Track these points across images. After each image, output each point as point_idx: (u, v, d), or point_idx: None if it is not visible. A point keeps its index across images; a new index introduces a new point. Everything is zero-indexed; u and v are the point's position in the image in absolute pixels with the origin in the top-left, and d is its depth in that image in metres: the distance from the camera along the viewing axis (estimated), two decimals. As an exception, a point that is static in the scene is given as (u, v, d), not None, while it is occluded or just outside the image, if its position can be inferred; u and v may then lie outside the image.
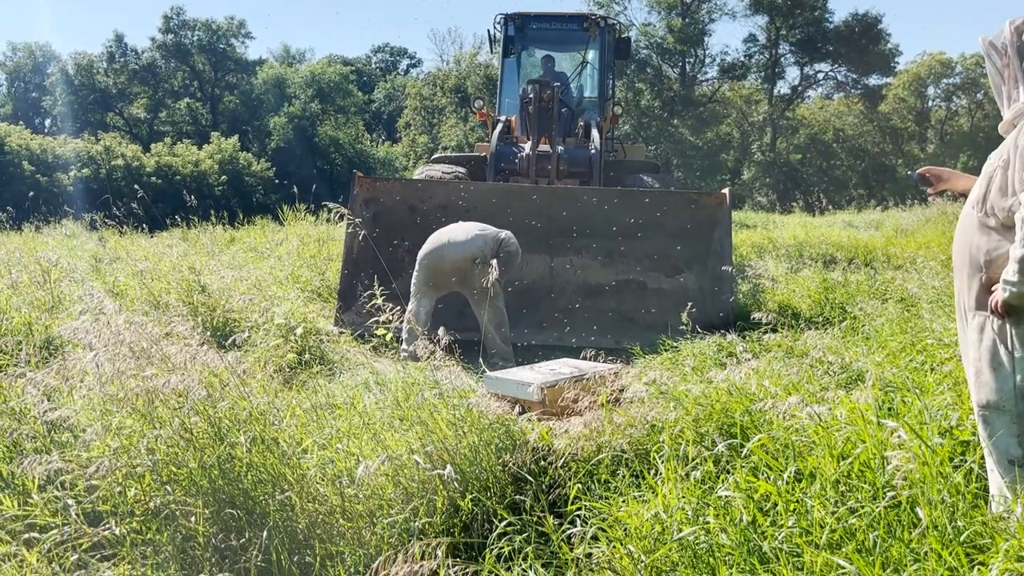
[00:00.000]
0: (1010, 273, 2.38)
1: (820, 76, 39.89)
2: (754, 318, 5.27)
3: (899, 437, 2.72)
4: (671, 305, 6.65)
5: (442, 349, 3.91)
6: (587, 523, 2.81)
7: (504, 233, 6.46)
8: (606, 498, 2.98)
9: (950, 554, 2.17)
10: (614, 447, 3.44)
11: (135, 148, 29.04)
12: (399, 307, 4.06)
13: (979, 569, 2.11)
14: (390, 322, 3.93)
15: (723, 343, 5.46)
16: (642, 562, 2.48)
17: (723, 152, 37.83)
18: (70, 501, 2.71)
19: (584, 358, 5.18)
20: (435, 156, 10.97)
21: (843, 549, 2.31)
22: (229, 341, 4.03)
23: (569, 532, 2.77)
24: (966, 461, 2.75)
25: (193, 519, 2.74)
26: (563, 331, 7.05)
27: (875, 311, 6.33)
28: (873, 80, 38.45)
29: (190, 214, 12.17)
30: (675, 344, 5.81)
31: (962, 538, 2.26)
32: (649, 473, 3.10)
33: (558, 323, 7.16)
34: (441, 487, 2.98)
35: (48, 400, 3.22)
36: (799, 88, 39.85)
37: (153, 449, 2.87)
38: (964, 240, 2.61)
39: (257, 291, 7.06)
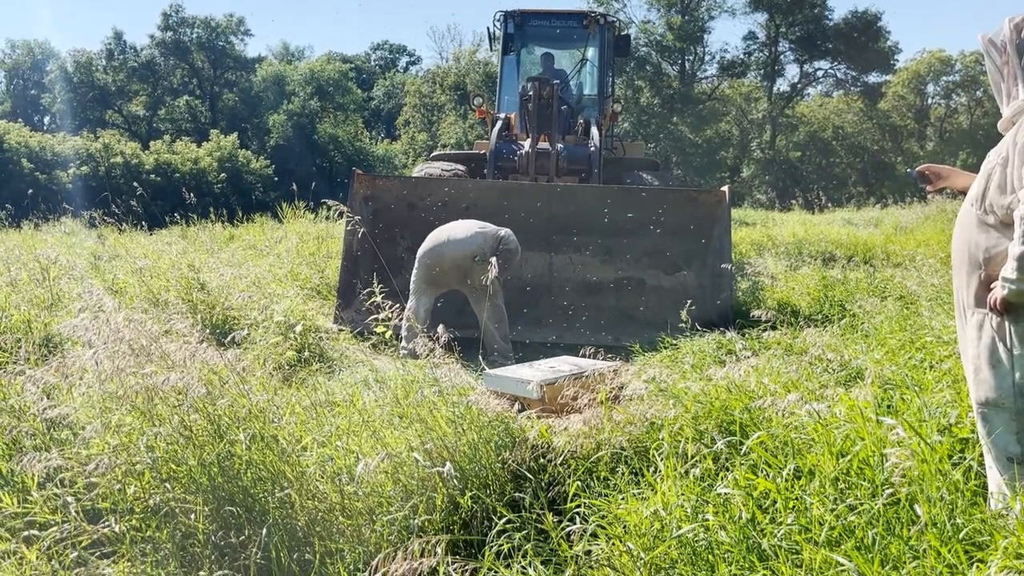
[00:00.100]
0: (1009, 270, 2.38)
1: (820, 73, 39.94)
2: (753, 316, 5.27)
3: (898, 434, 2.72)
4: (670, 303, 6.64)
5: (441, 347, 3.91)
6: (586, 520, 2.81)
7: (504, 231, 6.46)
8: (605, 495, 2.98)
9: (949, 551, 2.17)
10: (613, 444, 3.44)
11: (134, 146, 29.04)
12: (398, 305, 4.06)
13: (978, 566, 2.11)
14: (389, 320, 3.93)
15: (722, 341, 5.46)
16: (641, 559, 2.48)
17: (722, 150, 37.81)
18: (69, 499, 2.71)
19: (583, 356, 5.18)
20: (434, 154, 10.96)
21: (842, 546, 2.31)
22: (228, 339, 4.03)
23: (568, 529, 2.77)
24: (965, 458, 2.75)
25: (193, 516, 2.75)
26: (562, 329, 7.05)
27: (874, 309, 6.34)
28: (873, 78, 38.47)
29: (189, 212, 12.17)
30: (674, 342, 5.81)
31: (961, 535, 2.26)
32: (648, 470, 3.10)
33: (557, 321, 7.16)
34: (440, 484, 2.99)
35: (47, 398, 3.22)
36: (799, 86, 39.87)
37: (152, 447, 2.87)
38: (963, 237, 2.61)
39: (256, 289, 7.06)
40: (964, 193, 2.77)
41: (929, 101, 40.93)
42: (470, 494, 3.03)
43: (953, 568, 2.14)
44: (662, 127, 34.40)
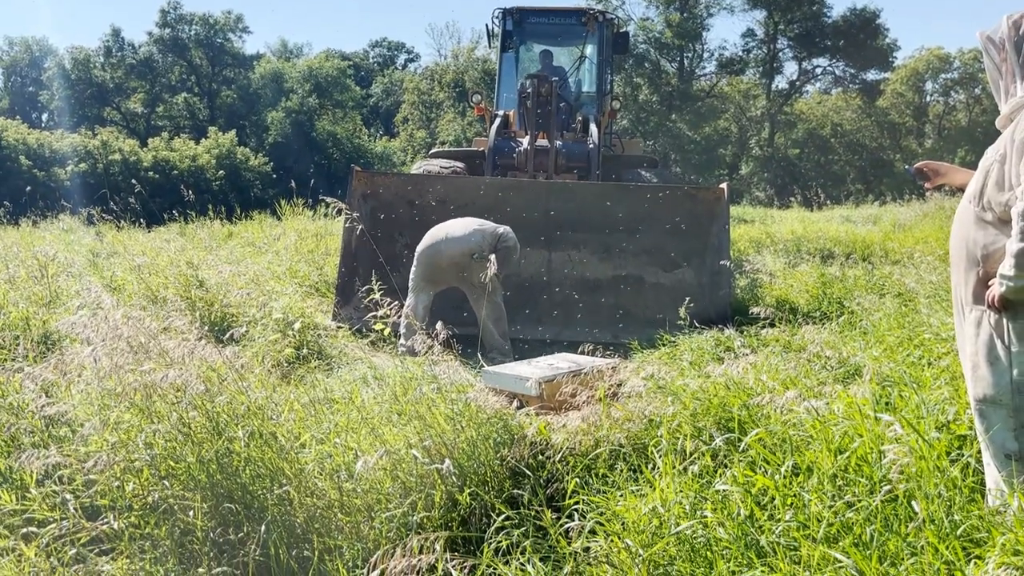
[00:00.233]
0: (1007, 268, 2.39)
1: (818, 71, 39.88)
2: (752, 313, 5.27)
3: (896, 431, 2.73)
4: (669, 300, 6.65)
5: (440, 344, 3.91)
6: (585, 517, 2.82)
7: (502, 228, 6.46)
8: (604, 492, 2.99)
9: (947, 548, 2.18)
10: (612, 441, 3.45)
11: (132, 143, 29.01)
12: (397, 302, 4.06)
13: (976, 563, 2.12)
14: (388, 317, 3.93)
15: (721, 338, 5.47)
16: (640, 556, 2.49)
17: (721, 147, 37.81)
18: (68, 496, 2.71)
19: (582, 353, 5.18)
20: (433, 151, 10.96)
21: (840, 543, 2.32)
22: (227, 336, 4.02)
23: (567, 526, 2.77)
24: (963, 455, 2.76)
25: (191, 513, 2.75)
26: (561, 326, 7.06)
27: (872, 306, 6.34)
28: (871, 75, 38.41)
29: (188, 209, 12.16)
30: (673, 339, 5.82)
31: (959, 532, 2.27)
32: (647, 467, 3.10)
33: (556, 318, 7.17)
34: (439, 481, 2.99)
35: (46, 395, 3.22)
36: (797, 83, 39.85)
37: (151, 444, 2.87)
38: (961, 235, 2.62)
39: (255, 286, 7.06)
40: (962, 190, 2.77)
41: (927, 99, 40.93)
42: (469, 491, 3.03)
43: (951, 565, 2.15)
44: (661, 124, 34.39)
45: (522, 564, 2.58)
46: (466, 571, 2.49)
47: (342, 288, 7.16)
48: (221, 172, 28.69)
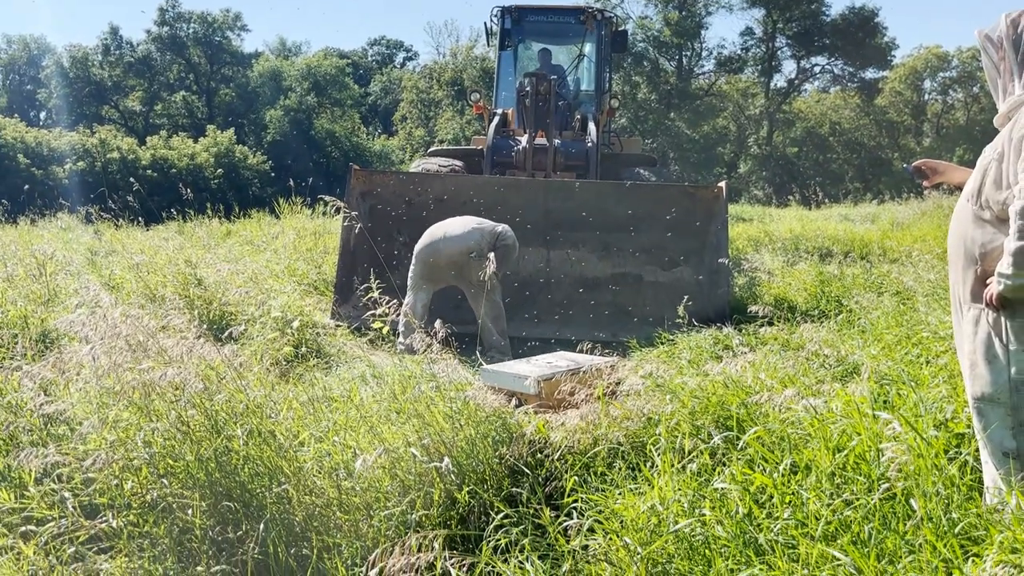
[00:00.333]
0: (1005, 266, 2.39)
1: (817, 69, 39.86)
2: (750, 311, 5.28)
3: (894, 429, 2.73)
4: (667, 298, 6.65)
5: (439, 342, 3.91)
6: (583, 515, 2.82)
7: (501, 227, 6.46)
8: (602, 490, 2.99)
9: (945, 546, 2.18)
10: (610, 440, 3.45)
11: (130, 141, 28.93)
12: (396, 300, 4.06)
13: (974, 561, 2.12)
14: (387, 315, 3.93)
15: (719, 336, 5.47)
16: (638, 554, 2.49)
17: (720, 145, 37.80)
18: (67, 494, 2.71)
19: (581, 351, 5.19)
20: (432, 149, 10.95)
21: (838, 541, 2.32)
22: (226, 334, 4.02)
23: (566, 524, 2.78)
24: (961, 453, 2.76)
25: (190, 512, 2.75)
26: (560, 324, 7.06)
27: (871, 304, 6.35)
28: (870, 74, 38.41)
29: (186, 207, 12.15)
30: (671, 337, 5.82)
31: (957, 530, 2.27)
32: (645, 465, 3.11)
33: (555, 316, 7.17)
34: (438, 480, 2.99)
35: (44, 393, 3.21)
36: (796, 81, 39.85)
37: (150, 442, 2.87)
38: (959, 233, 2.62)
39: (253, 284, 7.05)
40: (960, 188, 2.78)
41: (926, 97, 40.94)
42: (467, 489, 3.03)
43: (949, 563, 2.15)
44: (659, 123, 34.37)
45: (521, 562, 2.59)
46: (465, 569, 2.49)
47: (341, 286, 7.16)
48: (219, 170, 28.63)
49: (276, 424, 3.16)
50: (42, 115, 47.75)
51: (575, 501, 2.97)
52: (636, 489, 2.94)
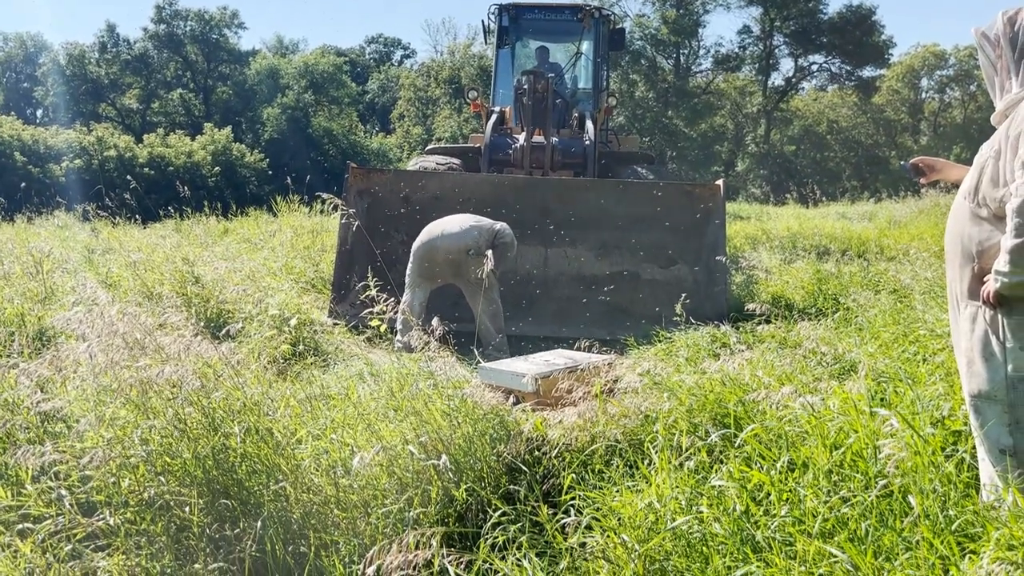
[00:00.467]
0: (1001, 263, 2.39)
1: (814, 68, 39.91)
2: (748, 309, 5.28)
3: (891, 426, 2.73)
4: (665, 296, 6.66)
5: (436, 340, 3.91)
6: (581, 513, 2.82)
7: (499, 225, 6.45)
8: (600, 488, 2.99)
9: (942, 543, 2.18)
10: (608, 437, 3.45)
11: (128, 139, 28.89)
12: (393, 298, 4.06)
13: (970, 558, 2.13)
14: (384, 313, 3.92)
15: (717, 334, 5.47)
16: (636, 551, 2.49)
17: (717, 144, 37.83)
18: (64, 492, 2.71)
19: (578, 349, 5.19)
20: (429, 147, 10.95)
21: (835, 538, 2.32)
22: (223, 332, 4.02)
23: (563, 522, 2.78)
24: (958, 451, 2.76)
25: (187, 509, 2.75)
26: (557, 322, 7.05)
27: (868, 302, 6.36)
28: (867, 72, 38.47)
29: (183, 205, 12.14)
30: (669, 335, 5.82)
31: (953, 527, 2.27)
32: (643, 463, 3.11)
33: (552, 314, 7.17)
34: (436, 477, 2.99)
35: (41, 391, 3.21)
36: (793, 80, 39.86)
37: (147, 439, 2.87)
38: (956, 230, 2.62)
39: (251, 282, 7.05)
40: (957, 186, 2.78)
41: (923, 95, 41.04)
42: (465, 487, 3.03)
43: (946, 560, 2.15)
44: (657, 121, 34.39)
45: (518, 559, 2.59)
46: (462, 567, 2.49)
47: (338, 284, 7.15)
48: (217, 168, 28.61)
49: (273, 422, 3.16)
50: (39, 113, 47.69)
51: (573, 499, 2.97)
52: (634, 486, 2.95)
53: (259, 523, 2.71)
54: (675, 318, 5.76)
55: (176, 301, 5.87)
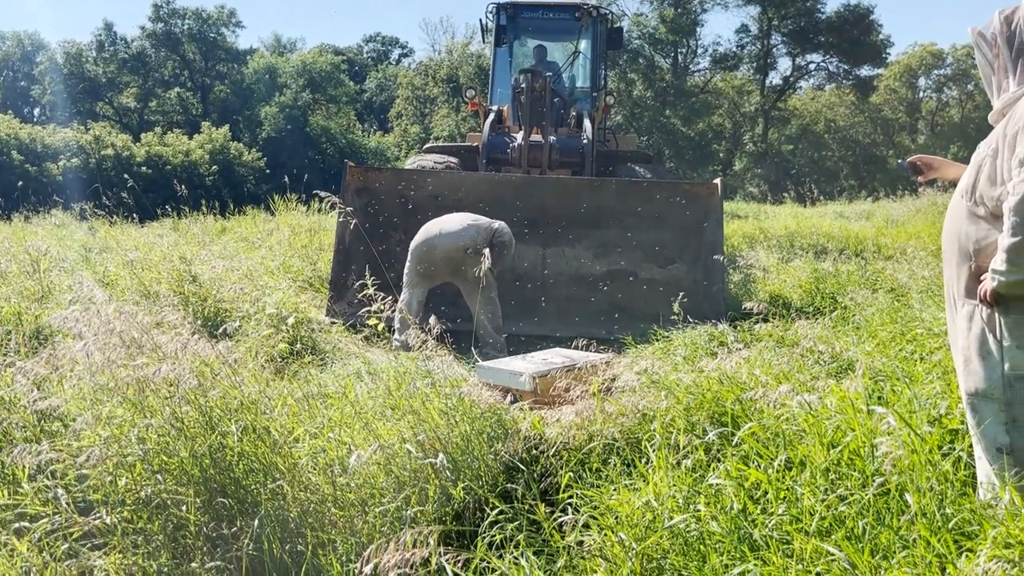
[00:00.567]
0: (998, 262, 2.39)
1: (812, 67, 39.88)
2: (745, 308, 5.28)
3: (888, 425, 2.74)
4: (663, 295, 6.66)
5: (434, 339, 3.90)
6: (578, 511, 2.82)
7: (497, 223, 6.45)
8: (597, 486, 2.99)
9: (939, 541, 2.19)
10: (605, 436, 3.45)
11: (125, 138, 28.85)
12: (391, 297, 4.05)
13: (967, 556, 2.13)
14: (382, 312, 3.92)
15: (714, 333, 5.48)
16: (633, 549, 2.49)
17: (715, 143, 37.83)
18: (60, 490, 2.70)
19: (576, 348, 5.19)
20: (427, 146, 10.94)
21: (832, 536, 2.32)
22: (220, 331, 4.02)
23: (560, 520, 2.78)
24: (955, 449, 2.77)
25: (184, 508, 2.74)
26: (555, 321, 7.06)
27: (865, 301, 6.36)
28: (864, 71, 38.46)
29: (180, 204, 12.12)
30: (667, 334, 5.83)
31: (950, 525, 2.27)
32: (640, 461, 3.11)
33: (550, 313, 7.17)
34: (433, 476, 2.99)
35: (38, 389, 3.20)
36: (791, 79, 39.85)
37: (144, 438, 2.87)
38: (953, 229, 2.62)
39: (248, 281, 7.04)
40: (955, 184, 2.78)
41: (920, 95, 41.06)
42: (462, 485, 3.03)
43: (943, 558, 2.16)
44: (655, 120, 34.37)
45: (516, 558, 2.59)
46: (459, 565, 2.49)
47: (336, 283, 7.14)
48: (214, 167, 28.58)
49: (271, 420, 3.16)
50: (36, 111, 47.60)
51: (570, 497, 2.97)
52: (631, 485, 2.95)
53: (256, 522, 2.70)
54: (673, 317, 5.76)
55: (173, 300, 5.86)
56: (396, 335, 6.15)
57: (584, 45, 11.14)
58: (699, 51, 38.85)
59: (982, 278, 2.48)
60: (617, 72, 33.18)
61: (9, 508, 2.77)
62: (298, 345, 5.68)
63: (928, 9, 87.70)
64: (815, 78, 41.31)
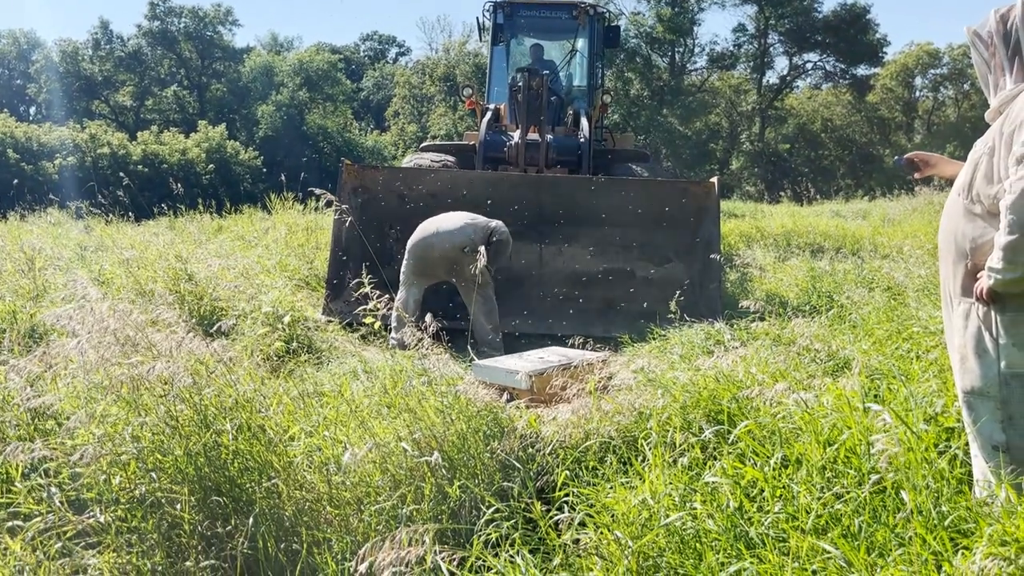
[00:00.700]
0: (995, 260, 2.39)
1: (809, 66, 39.95)
2: (742, 306, 5.29)
3: (884, 422, 2.74)
4: (659, 293, 6.66)
5: (430, 337, 3.90)
6: (575, 509, 2.81)
7: (494, 222, 6.44)
8: (594, 484, 2.99)
9: (934, 538, 2.18)
10: (602, 434, 3.45)
11: (121, 136, 28.78)
12: (387, 296, 4.05)
13: (963, 553, 2.13)
14: (378, 311, 3.92)
15: (711, 331, 5.47)
16: (629, 547, 2.49)
17: (712, 142, 37.86)
18: (54, 489, 2.69)
19: (572, 346, 5.19)
20: (424, 144, 10.93)
21: (829, 534, 2.32)
22: (215, 329, 4.01)
23: (557, 518, 2.77)
24: (951, 447, 2.77)
25: (179, 507, 2.73)
26: (552, 319, 7.05)
27: (862, 299, 6.36)
28: (861, 70, 38.54)
29: (177, 203, 12.09)
30: (663, 332, 5.82)
31: (946, 523, 2.27)
32: (637, 460, 3.10)
33: (547, 311, 7.17)
34: (429, 474, 2.98)
35: (31, 387, 3.19)
36: (788, 78, 39.92)
37: (138, 436, 2.86)
38: (950, 227, 2.62)
39: (244, 279, 7.03)
40: (951, 182, 2.78)
41: (917, 94, 41.10)
42: (458, 483, 3.02)
43: (939, 555, 2.15)
44: (652, 119, 34.37)
45: (511, 556, 2.58)
46: (455, 563, 2.48)
47: (332, 282, 7.14)
48: (211, 166, 28.53)
49: (266, 419, 3.15)
50: (32, 110, 47.50)
51: (566, 495, 2.96)
52: (627, 483, 2.94)
53: (251, 520, 2.70)
54: (669, 315, 5.77)
55: (169, 298, 5.85)
56: (392, 333, 6.14)
57: (581, 44, 11.13)
58: (696, 50, 38.88)
59: (978, 276, 2.48)
60: (614, 71, 33.20)
61: (2, 507, 2.75)
62: (294, 344, 5.67)
63: (924, 9, 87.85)
64: (812, 77, 41.41)
